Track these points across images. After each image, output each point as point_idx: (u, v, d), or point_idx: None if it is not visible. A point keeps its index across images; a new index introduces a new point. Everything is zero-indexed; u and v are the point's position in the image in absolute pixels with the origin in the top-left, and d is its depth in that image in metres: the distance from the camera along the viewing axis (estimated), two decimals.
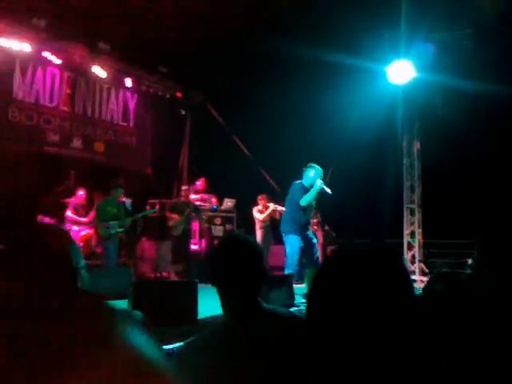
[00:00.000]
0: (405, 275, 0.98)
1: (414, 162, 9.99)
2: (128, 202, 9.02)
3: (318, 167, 6.30)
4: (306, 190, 6.20)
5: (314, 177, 6.20)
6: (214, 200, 10.19)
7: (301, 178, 6.35)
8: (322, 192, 6.26)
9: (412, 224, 9.99)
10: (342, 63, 8.60)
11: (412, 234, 9.98)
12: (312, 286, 1.00)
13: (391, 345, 0.90)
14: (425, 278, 9.05)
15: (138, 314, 1.35)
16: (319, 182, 6.14)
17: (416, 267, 9.68)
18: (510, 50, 7.44)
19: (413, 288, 0.99)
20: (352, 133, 9.85)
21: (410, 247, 9.92)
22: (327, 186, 6.27)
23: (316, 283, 1.00)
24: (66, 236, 1.41)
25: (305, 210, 6.27)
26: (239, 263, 1.67)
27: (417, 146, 10.00)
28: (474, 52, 7.90)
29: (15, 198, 8.75)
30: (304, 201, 6.13)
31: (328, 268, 1.03)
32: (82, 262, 1.37)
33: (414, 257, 9.81)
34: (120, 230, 7.59)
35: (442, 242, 9.35)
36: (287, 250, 6.22)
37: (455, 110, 8.25)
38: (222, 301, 1.70)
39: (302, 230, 6.25)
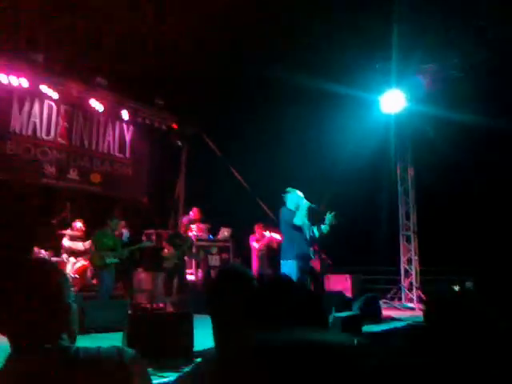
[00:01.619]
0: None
1: (409, 188, 10.07)
2: (126, 233, 9.02)
3: (295, 189, 6.38)
4: (294, 212, 6.25)
5: (296, 198, 6.26)
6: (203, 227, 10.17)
7: (284, 205, 6.41)
8: (312, 211, 6.31)
9: (409, 251, 9.99)
10: (336, 93, 8.76)
11: (409, 261, 9.97)
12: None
13: None
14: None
15: (129, 351, 1.36)
16: (304, 201, 6.19)
17: (414, 294, 9.64)
18: (498, 80, 7.61)
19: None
20: (346, 161, 9.95)
21: (408, 274, 9.90)
22: (322, 214, 6.32)
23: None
24: (59, 271, 1.43)
25: (301, 229, 6.27)
26: (234, 296, 1.69)
27: (411, 173, 10.09)
28: (463, 82, 8.08)
29: (11, 230, 8.74)
30: (297, 219, 6.15)
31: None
32: (72, 297, 1.39)
33: (411, 284, 9.77)
34: (115, 260, 7.56)
35: (439, 269, 9.34)
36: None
37: (446, 138, 8.37)
38: (214, 333, 1.70)
39: (300, 248, 6.19)
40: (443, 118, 8.39)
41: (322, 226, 6.38)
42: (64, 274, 1.41)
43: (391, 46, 8.52)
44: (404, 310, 8.90)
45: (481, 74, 7.95)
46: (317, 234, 6.41)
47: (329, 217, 6.32)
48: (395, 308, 9.01)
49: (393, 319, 7.26)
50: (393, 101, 9.49)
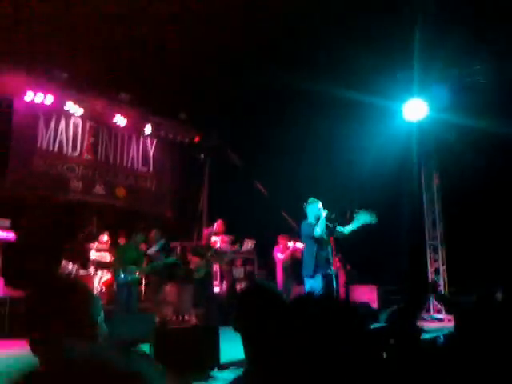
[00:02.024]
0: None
1: (434, 197, 9.91)
2: (162, 241, 8.88)
3: (316, 200, 6.35)
4: (313, 225, 6.22)
5: (316, 210, 6.23)
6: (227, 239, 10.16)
7: (305, 218, 6.39)
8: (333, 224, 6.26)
9: (436, 261, 9.81)
10: (359, 101, 8.74)
11: (436, 272, 9.79)
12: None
13: None
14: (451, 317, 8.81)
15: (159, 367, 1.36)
16: (324, 214, 6.15)
17: (442, 305, 9.44)
18: None
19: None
20: (370, 169, 9.87)
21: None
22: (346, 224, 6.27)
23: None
24: (86, 289, 1.44)
25: (321, 244, 6.23)
26: (261, 313, 1.69)
27: (436, 180, 9.94)
28: (486, 88, 7.97)
29: (40, 244, 8.90)
30: (317, 232, 6.11)
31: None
32: (102, 314, 1.40)
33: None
34: (136, 277, 7.56)
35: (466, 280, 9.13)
36: (306, 292, 6.13)
37: (471, 145, 8.25)
38: (245, 350, 1.71)
39: (322, 268, 6.18)
40: (467, 125, 8.28)
41: (344, 228, 6.29)
42: (92, 294, 1.42)
43: (413, 54, 8.48)
44: (432, 322, 8.72)
45: (503, 80, 7.84)
46: (344, 231, 6.31)
47: (363, 215, 6.22)
48: (423, 319, 8.84)
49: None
50: (415, 109, 9.41)
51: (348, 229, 6.29)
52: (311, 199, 6.43)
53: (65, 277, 7.72)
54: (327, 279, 6.20)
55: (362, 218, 6.22)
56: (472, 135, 8.36)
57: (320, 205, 6.31)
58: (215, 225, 10.23)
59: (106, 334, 1.38)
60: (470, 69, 8.43)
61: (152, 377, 0.65)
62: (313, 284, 6.05)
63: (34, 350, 1.27)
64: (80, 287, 1.40)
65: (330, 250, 6.41)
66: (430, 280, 9.83)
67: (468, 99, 8.32)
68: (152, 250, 8.37)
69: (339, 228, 6.32)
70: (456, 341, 1.61)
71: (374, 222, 6.21)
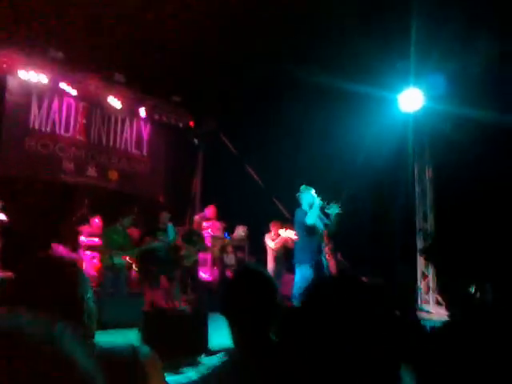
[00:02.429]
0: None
1: (426, 189, 9.93)
2: (169, 225, 8.69)
3: (309, 187, 6.35)
4: (306, 212, 6.23)
5: (310, 197, 6.24)
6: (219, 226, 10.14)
7: (299, 206, 6.40)
8: (326, 214, 6.29)
9: None
10: (354, 91, 8.69)
11: (426, 263, 9.84)
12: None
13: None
14: (441, 310, 8.87)
15: (145, 349, 1.35)
16: (318, 201, 6.17)
17: (430, 297, 9.51)
18: None
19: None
20: (363, 159, 9.86)
21: (424, 276, 9.78)
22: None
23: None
24: (74, 266, 1.42)
25: (313, 232, 6.24)
26: (252, 297, 1.67)
27: (429, 173, 9.95)
28: (484, 79, 7.94)
29: (30, 226, 8.86)
30: (309, 219, 6.11)
31: (305, 305, 1.05)
32: (90, 293, 1.38)
33: (428, 286, 9.65)
34: (122, 261, 7.51)
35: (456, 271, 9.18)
36: (296, 280, 6.16)
37: (466, 136, 8.24)
38: (232, 334, 1.69)
39: (314, 256, 6.20)
40: (463, 117, 8.26)
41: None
42: (80, 272, 1.41)
43: (410, 43, 8.42)
44: (420, 313, 8.79)
45: (501, 70, 7.82)
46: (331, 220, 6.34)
47: (333, 207, 6.26)
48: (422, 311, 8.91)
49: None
50: (411, 99, 9.38)
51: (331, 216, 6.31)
52: (303, 187, 6.44)
53: (53, 256, 7.68)
54: (318, 268, 6.22)
55: (333, 211, 6.24)
56: (467, 126, 8.35)
57: (313, 192, 6.31)
58: (206, 210, 10.22)
59: (95, 312, 1.37)
60: (466, 59, 8.39)
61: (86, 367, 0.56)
62: (304, 272, 6.07)
63: None
64: (68, 264, 1.38)
65: (322, 239, 6.44)
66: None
67: (464, 89, 8.30)
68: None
69: (325, 220, 6.34)
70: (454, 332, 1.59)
71: (338, 211, 6.23)
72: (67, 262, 1.44)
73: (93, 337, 1.35)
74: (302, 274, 6.08)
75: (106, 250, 7.46)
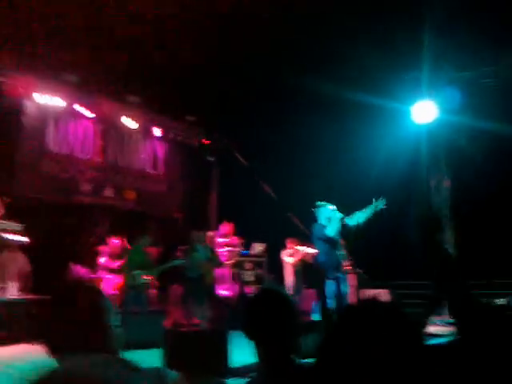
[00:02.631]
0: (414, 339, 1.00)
1: (443, 201, 9.82)
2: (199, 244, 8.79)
3: (326, 203, 6.36)
4: (325, 226, 6.23)
5: (327, 212, 6.24)
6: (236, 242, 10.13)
7: (316, 221, 6.41)
8: (345, 226, 6.28)
9: None
10: (367, 103, 8.70)
11: None
12: (325, 338, 1.02)
13: None
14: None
15: (171, 373, 1.35)
16: (337, 214, 6.17)
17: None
18: None
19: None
20: (378, 172, 9.81)
21: None
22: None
23: (329, 336, 1.02)
24: (98, 293, 1.43)
25: (334, 246, 6.22)
26: (273, 320, 1.69)
27: (447, 184, 9.85)
28: (496, 90, 7.90)
29: (49, 247, 8.95)
30: (329, 231, 6.11)
31: (342, 323, 1.05)
32: (116, 321, 1.39)
33: None
34: (145, 280, 7.56)
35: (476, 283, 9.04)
36: (326, 294, 6.13)
37: (481, 148, 8.18)
38: (258, 353, 1.71)
39: (335, 270, 6.18)
40: (477, 129, 8.20)
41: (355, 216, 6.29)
42: (103, 296, 1.41)
43: (422, 55, 8.43)
44: (445, 326, 8.63)
45: None
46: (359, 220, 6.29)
47: (374, 205, 6.24)
48: (436, 324, 8.75)
49: (434, 335, 7.06)
50: (425, 111, 9.35)
51: (361, 216, 6.27)
52: (319, 202, 6.45)
53: (75, 281, 7.75)
54: (336, 282, 6.19)
55: (372, 207, 6.24)
56: (483, 138, 8.29)
57: (330, 206, 6.32)
58: (221, 227, 10.21)
59: (122, 336, 1.37)
60: (481, 71, 8.36)
61: None
62: (329, 287, 6.06)
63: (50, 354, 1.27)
64: (89, 290, 1.39)
65: (341, 252, 6.42)
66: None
67: (479, 102, 8.25)
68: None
69: (348, 220, 6.31)
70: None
71: (382, 206, 6.22)
72: (92, 286, 1.45)
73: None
74: (329, 288, 6.06)
75: (129, 270, 7.51)
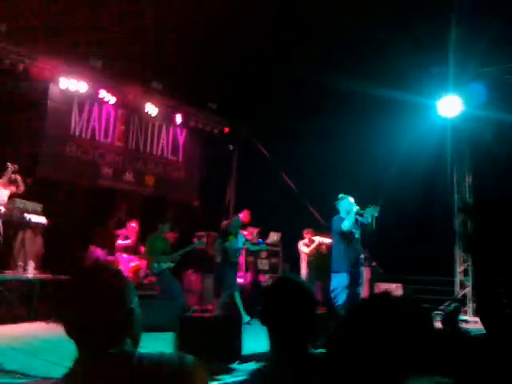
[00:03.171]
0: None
1: (466, 196, 9.69)
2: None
3: (347, 196, 6.32)
4: (343, 219, 6.20)
5: (347, 204, 6.20)
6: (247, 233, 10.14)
7: (337, 213, 6.37)
8: (362, 221, 6.25)
9: (465, 262, 9.62)
10: (394, 97, 8.60)
11: (465, 272, 9.60)
12: (335, 331, 1.02)
13: None
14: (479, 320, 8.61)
15: (191, 358, 1.35)
16: (355, 208, 6.13)
17: (469, 307, 9.26)
18: None
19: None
20: (401, 166, 9.71)
21: (463, 286, 9.53)
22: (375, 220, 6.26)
23: (340, 327, 1.02)
24: (121, 275, 1.42)
25: (350, 240, 6.19)
26: (293, 308, 1.69)
27: (469, 180, 9.71)
28: None
29: (69, 229, 9.11)
30: (345, 226, 6.08)
31: (351, 317, 1.05)
32: (135, 302, 1.38)
33: (465, 296, 9.39)
34: (170, 265, 7.69)
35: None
36: (332, 286, 6.11)
37: (505, 143, 8.02)
38: (271, 342, 1.71)
39: (351, 265, 6.14)
40: (503, 124, 8.04)
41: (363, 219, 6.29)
42: (127, 279, 1.41)
43: (448, 50, 8.29)
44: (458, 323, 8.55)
45: None
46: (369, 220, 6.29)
47: (369, 210, 6.22)
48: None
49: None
50: (450, 106, 9.21)
51: (364, 220, 6.27)
52: (341, 195, 6.40)
53: (96, 262, 7.88)
54: (354, 276, 6.15)
55: (369, 213, 6.21)
56: (507, 133, 8.13)
57: (351, 199, 6.28)
58: (240, 215, 10.23)
59: (140, 320, 1.36)
60: (506, 66, 8.18)
61: None
62: (340, 280, 6.02)
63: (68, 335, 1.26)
64: (116, 273, 1.38)
65: (358, 246, 6.37)
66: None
67: (505, 96, 8.09)
68: None
69: (361, 219, 6.29)
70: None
71: (377, 213, 6.20)
72: (115, 269, 1.43)
73: (138, 345, 1.35)
74: (338, 281, 6.03)
75: (152, 257, 7.61)
